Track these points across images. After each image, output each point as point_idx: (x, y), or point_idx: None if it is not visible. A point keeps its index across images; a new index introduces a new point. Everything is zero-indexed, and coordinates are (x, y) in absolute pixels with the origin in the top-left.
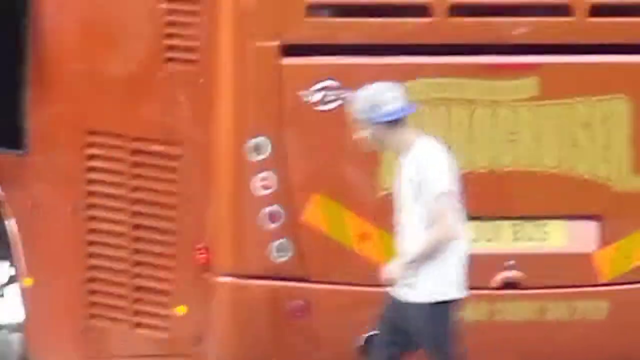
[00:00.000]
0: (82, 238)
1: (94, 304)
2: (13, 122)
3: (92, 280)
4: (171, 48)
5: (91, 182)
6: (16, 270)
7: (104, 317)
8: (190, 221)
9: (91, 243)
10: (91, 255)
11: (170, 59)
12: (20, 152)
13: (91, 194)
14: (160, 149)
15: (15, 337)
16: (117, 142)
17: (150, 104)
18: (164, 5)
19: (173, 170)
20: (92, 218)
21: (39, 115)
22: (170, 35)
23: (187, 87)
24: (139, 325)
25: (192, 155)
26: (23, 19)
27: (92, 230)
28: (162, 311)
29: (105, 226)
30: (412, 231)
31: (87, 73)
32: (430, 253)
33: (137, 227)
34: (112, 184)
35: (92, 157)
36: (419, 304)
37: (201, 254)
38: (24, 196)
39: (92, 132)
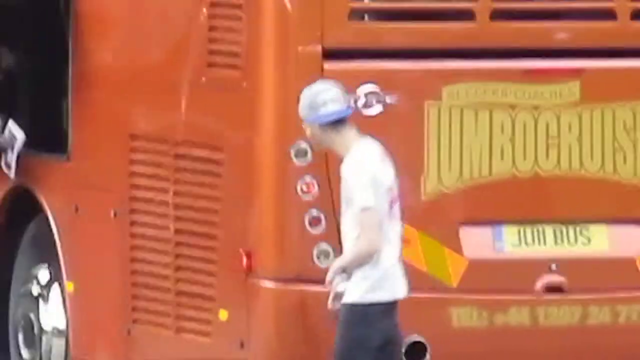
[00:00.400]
0: (124, 243)
1: (136, 308)
2: (55, 127)
3: (134, 285)
4: (214, 53)
5: (134, 187)
6: (56, 274)
7: (147, 322)
8: (233, 226)
9: (133, 248)
10: (133, 260)
11: (213, 64)
12: (62, 156)
13: (134, 199)
14: (203, 154)
15: (58, 342)
16: (160, 146)
17: (194, 109)
18: (207, 10)
19: (216, 175)
20: (135, 223)
21: (81, 120)
22: (213, 40)
23: (230, 92)
24: (181, 330)
25: (235, 159)
26: (65, 24)
27: (135, 235)
28: (205, 316)
29: (148, 231)
30: (345, 237)
31: (129, 77)
32: (353, 265)
33: (180, 232)
34: (155, 189)
35: (134, 161)
36: (344, 304)
37: (244, 258)
38: (66, 201)
39: (135, 137)
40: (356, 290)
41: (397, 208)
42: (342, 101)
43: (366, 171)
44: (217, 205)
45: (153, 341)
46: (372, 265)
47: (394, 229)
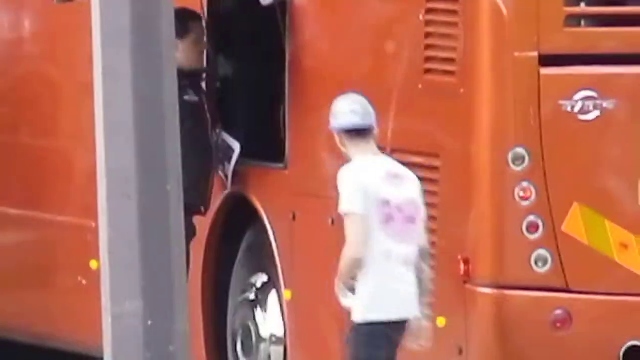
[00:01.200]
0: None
1: None
2: (273, 136)
3: None
4: (430, 59)
5: None
6: (274, 281)
7: None
8: (450, 232)
9: None
10: None
11: (429, 70)
12: (279, 164)
13: None
14: (419, 161)
15: (276, 349)
16: None
17: (409, 115)
18: (423, 17)
19: (433, 181)
20: None
21: (297, 128)
22: (429, 47)
23: (446, 98)
24: None
25: (452, 166)
26: (280, 32)
27: None
28: None
29: None
30: None
31: (344, 85)
32: (345, 274)
33: None
34: None
35: None
36: (351, 322)
37: (461, 264)
38: (283, 209)
39: None
40: (356, 309)
41: (407, 228)
42: (362, 115)
43: (353, 179)
44: (434, 212)
45: None
46: (363, 282)
47: (398, 249)
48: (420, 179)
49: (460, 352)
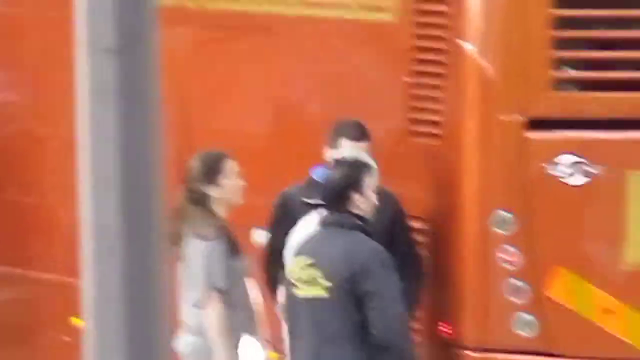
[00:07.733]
0: None
1: None
2: None
3: None
4: (415, 121)
5: None
6: None
7: None
8: (434, 295)
9: None
10: None
11: (414, 133)
12: None
13: None
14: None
15: None
16: None
17: (393, 179)
18: (409, 79)
19: (420, 244)
20: None
21: None
22: (414, 109)
23: (431, 161)
24: None
25: (436, 228)
26: None
27: None
28: None
29: None
30: None
31: None
32: None
33: None
34: None
35: None
36: None
37: (445, 328)
38: None
39: None
40: None
41: None
42: None
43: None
44: None
45: None
46: None
47: None
48: None
49: None
